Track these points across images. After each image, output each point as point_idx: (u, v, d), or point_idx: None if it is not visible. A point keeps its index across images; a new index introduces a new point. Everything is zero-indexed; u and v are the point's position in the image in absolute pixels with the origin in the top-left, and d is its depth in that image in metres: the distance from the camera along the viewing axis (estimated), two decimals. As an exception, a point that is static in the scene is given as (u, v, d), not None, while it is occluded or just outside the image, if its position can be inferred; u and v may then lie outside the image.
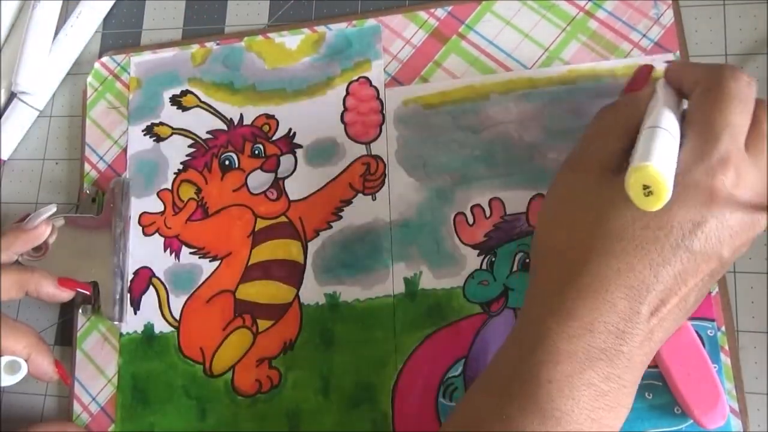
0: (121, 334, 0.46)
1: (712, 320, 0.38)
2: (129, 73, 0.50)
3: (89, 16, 0.52)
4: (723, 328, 0.38)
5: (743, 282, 0.39)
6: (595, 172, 0.33)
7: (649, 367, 0.36)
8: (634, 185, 0.29)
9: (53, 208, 0.44)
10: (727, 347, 0.38)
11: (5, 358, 0.40)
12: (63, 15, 0.52)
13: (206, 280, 0.45)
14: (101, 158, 0.49)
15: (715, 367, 0.37)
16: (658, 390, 0.38)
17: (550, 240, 0.33)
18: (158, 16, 0.52)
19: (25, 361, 0.41)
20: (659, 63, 0.40)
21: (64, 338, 0.47)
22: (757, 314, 0.38)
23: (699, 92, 0.33)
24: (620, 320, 0.30)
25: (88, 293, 0.45)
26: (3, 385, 0.40)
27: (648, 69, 0.38)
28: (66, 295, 0.44)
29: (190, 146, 0.48)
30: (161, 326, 0.45)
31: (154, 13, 0.52)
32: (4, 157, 0.51)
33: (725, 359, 0.37)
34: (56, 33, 0.52)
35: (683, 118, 0.33)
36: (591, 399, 0.30)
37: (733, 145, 0.31)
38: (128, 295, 0.46)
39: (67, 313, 0.48)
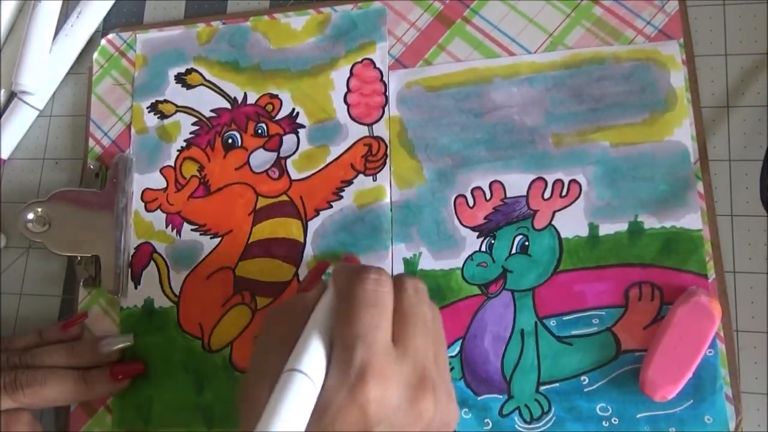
0: (121, 308, 0.46)
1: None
2: (135, 51, 0.50)
3: (89, 16, 0.52)
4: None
5: (743, 282, 0.39)
6: (260, 404, 0.31)
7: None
8: None
9: (130, 341, 0.44)
10: (722, 333, 0.38)
11: None
12: (63, 15, 0.52)
13: (207, 256, 0.45)
14: (105, 134, 0.49)
15: (710, 352, 0.37)
16: (652, 374, 0.38)
17: None
18: (158, 15, 0.52)
19: None
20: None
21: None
22: (757, 314, 0.38)
23: (336, 306, 0.33)
24: None
25: (142, 370, 0.44)
26: None
27: (324, 265, 0.38)
28: (125, 383, 0.44)
29: (193, 124, 0.48)
30: (161, 301, 0.45)
31: (154, 12, 0.52)
32: (4, 156, 0.51)
33: (721, 346, 0.38)
34: (56, 33, 0.52)
35: None
36: None
37: (369, 353, 0.30)
38: (129, 269, 0.46)
39: (69, 291, 0.48)
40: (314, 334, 0.32)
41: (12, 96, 0.52)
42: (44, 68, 0.51)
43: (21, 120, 0.51)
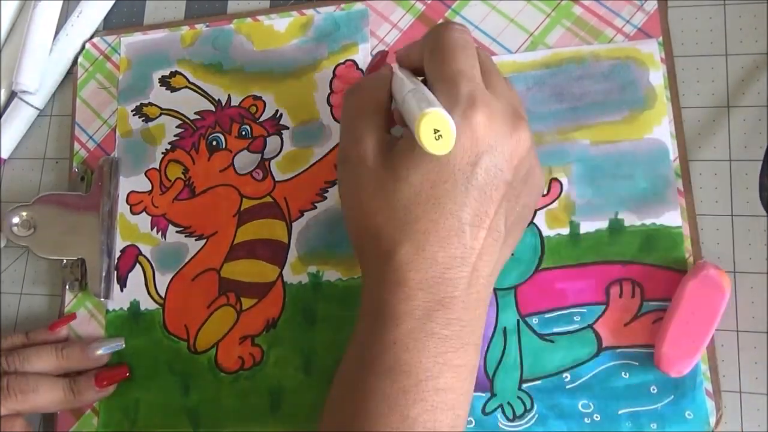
0: (107, 311, 0.46)
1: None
2: (119, 54, 0.51)
3: (89, 16, 0.52)
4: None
5: (743, 282, 0.39)
6: (367, 158, 0.34)
7: (636, 344, 0.36)
8: (425, 131, 0.30)
9: (121, 345, 0.45)
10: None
11: None
12: (63, 15, 0.52)
13: (192, 258, 0.46)
14: (91, 137, 0.50)
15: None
16: (634, 369, 0.38)
17: (356, 233, 0.35)
18: (158, 15, 0.52)
19: None
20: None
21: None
22: (757, 314, 0.38)
23: (427, 58, 0.35)
24: (443, 269, 0.32)
25: (126, 375, 0.45)
26: None
27: (384, 53, 0.44)
28: (110, 389, 0.44)
29: (178, 126, 0.48)
30: (147, 303, 0.46)
31: (154, 12, 0.52)
32: (4, 156, 0.51)
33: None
34: (56, 33, 0.52)
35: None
36: (436, 346, 0.32)
37: (472, 84, 0.33)
38: (115, 272, 0.47)
39: (57, 293, 0.48)
40: (417, 86, 0.34)
41: (12, 96, 0.52)
42: (44, 68, 0.51)
43: (21, 120, 0.51)
